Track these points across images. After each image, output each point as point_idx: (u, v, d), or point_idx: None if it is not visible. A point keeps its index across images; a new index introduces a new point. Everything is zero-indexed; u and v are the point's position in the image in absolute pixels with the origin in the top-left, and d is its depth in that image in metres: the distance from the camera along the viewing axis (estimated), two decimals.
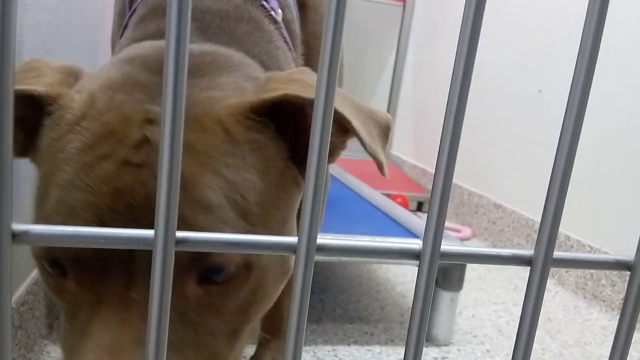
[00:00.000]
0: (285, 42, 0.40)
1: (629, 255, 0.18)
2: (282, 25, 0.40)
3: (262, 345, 0.57)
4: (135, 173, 0.24)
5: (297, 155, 0.30)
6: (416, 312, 0.17)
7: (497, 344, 0.81)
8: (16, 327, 0.52)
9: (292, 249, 0.16)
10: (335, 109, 0.25)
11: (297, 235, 0.16)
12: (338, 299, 0.89)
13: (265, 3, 0.38)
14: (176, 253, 0.23)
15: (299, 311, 0.16)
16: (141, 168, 0.24)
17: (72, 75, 0.29)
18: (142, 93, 0.26)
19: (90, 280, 0.24)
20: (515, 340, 0.18)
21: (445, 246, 0.17)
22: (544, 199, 0.17)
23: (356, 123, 0.26)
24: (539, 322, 0.91)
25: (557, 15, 1.20)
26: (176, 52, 0.14)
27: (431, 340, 0.78)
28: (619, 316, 0.17)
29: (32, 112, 0.27)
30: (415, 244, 0.17)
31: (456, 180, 1.50)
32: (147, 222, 0.24)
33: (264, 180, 0.27)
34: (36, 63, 0.29)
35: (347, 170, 1.30)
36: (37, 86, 0.27)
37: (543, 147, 1.22)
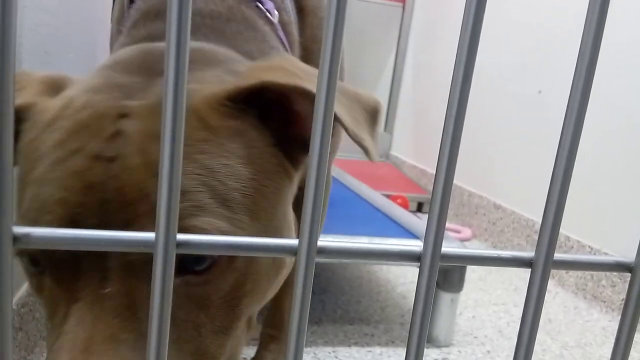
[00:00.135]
0: (282, 43, 0.40)
1: (629, 256, 0.18)
2: (278, 26, 0.40)
3: (262, 347, 0.57)
4: (107, 166, 0.24)
5: (286, 143, 0.29)
6: (417, 313, 0.16)
7: (497, 344, 0.81)
8: (16, 328, 0.52)
9: (293, 251, 0.16)
10: (307, 89, 0.25)
11: (298, 237, 0.16)
12: (338, 300, 0.89)
13: (260, 5, 0.38)
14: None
15: (300, 313, 0.16)
16: (113, 161, 0.24)
17: (55, 85, 0.29)
18: (120, 92, 0.26)
19: (65, 278, 0.24)
20: (517, 342, 0.18)
21: (446, 248, 0.17)
22: (544, 200, 0.17)
23: (339, 108, 0.25)
24: (539, 324, 0.90)
25: (557, 15, 1.20)
26: (176, 52, 0.14)
27: (432, 342, 0.78)
28: (619, 317, 0.17)
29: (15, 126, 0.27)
30: (416, 246, 0.17)
31: (456, 181, 1.50)
32: (120, 217, 0.23)
33: (245, 166, 0.26)
34: (18, 77, 0.29)
35: (347, 171, 1.30)
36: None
37: (543, 148, 1.22)
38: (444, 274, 0.75)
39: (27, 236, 0.15)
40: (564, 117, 0.16)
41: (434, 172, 1.53)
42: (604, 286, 1.01)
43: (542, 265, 0.17)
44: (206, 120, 0.26)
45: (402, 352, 0.74)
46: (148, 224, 0.23)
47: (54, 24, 0.61)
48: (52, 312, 0.25)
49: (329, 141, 0.15)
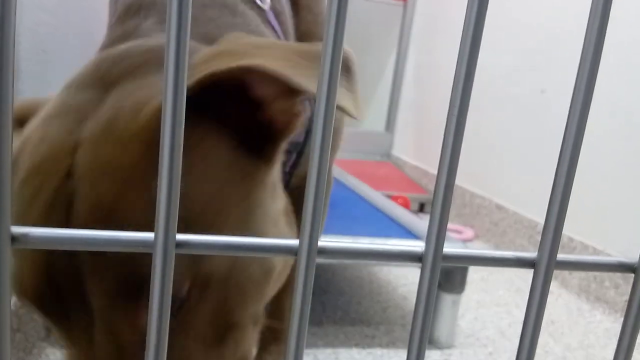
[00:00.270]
0: (273, 30, 0.38)
1: (632, 257, 0.18)
2: (270, 13, 0.38)
3: (262, 349, 0.57)
4: (65, 208, 0.24)
5: (252, 136, 0.26)
6: (418, 314, 0.16)
7: (499, 346, 0.81)
8: (15, 330, 0.52)
9: (293, 251, 0.16)
10: (259, 66, 0.22)
11: (298, 238, 0.16)
12: (339, 301, 0.89)
13: None
14: (118, 283, 0.23)
15: (301, 313, 0.16)
16: (71, 200, 0.23)
17: (23, 116, 0.28)
18: (73, 116, 0.25)
19: (59, 324, 0.25)
20: (519, 343, 0.17)
21: (448, 249, 0.17)
22: (547, 200, 0.17)
23: (290, 72, 0.22)
24: (542, 325, 0.90)
25: (559, 15, 1.20)
26: (176, 53, 0.14)
27: (433, 343, 0.78)
28: (622, 318, 0.17)
29: None
30: (418, 246, 0.17)
31: (458, 181, 1.50)
32: (72, 279, 0.23)
33: (207, 182, 0.24)
34: None
35: (348, 171, 1.29)
36: None
37: (545, 148, 1.21)
38: (446, 275, 0.75)
39: (25, 236, 0.15)
40: (567, 116, 0.16)
41: (436, 172, 1.53)
42: (607, 287, 1.00)
43: (544, 265, 0.17)
44: (154, 141, 0.23)
45: (403, 353, 0.74)
46: (97, 285, 0.23)
47: (52, 23, 0.61)
48: (65, 346, 0.26)
49: (329, 141, 0.15)
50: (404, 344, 0.77)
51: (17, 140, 0.27)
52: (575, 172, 0.16)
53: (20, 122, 0.28)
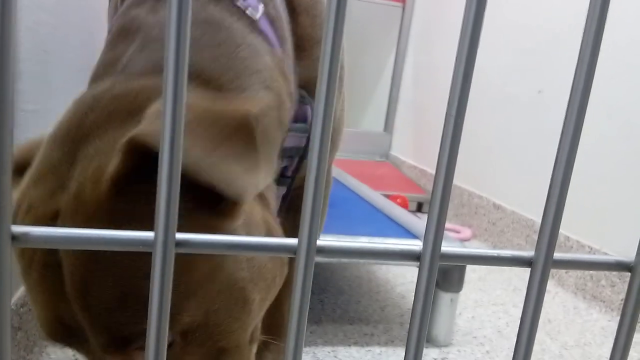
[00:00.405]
0: (266, 38, 0.38)
1: (629, 256, 0.18)
2: (262, 21, 0.38)
3: (262, 346, 0.57)
4: (56, 273, 0.26)
5: (209, 194, 0.25)
6: (416, 313, 0.16)
7: (496, 345, 0.81)
8: (15, 328, 0.52)
9: (292, 250, 0.16)
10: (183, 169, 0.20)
11: (298, 237, 0.16)
12: (338, 300, 0.89)
13: (240, 2, 0.36)
14: (105, 337, 0.25)
15: (300, 312, 0.16)
16: (59, 266, 0.26)
17: (21, 166, 0.30)
18: (52, 179, 0.27)
19: (78, 349, 0.28)
20: (516, 342, 0.18)
21: (446, 248, 0.17)
22: (544, 200, 0.17)
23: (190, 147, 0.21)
24: (538, 323, 0.90)
25: (556, 15, 1.20)
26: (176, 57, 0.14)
27: (431, 341, 0.78)
28: (618, 317, 0.17)
29: None
30: (416, 245, 0.17)
31: (456, 181, 1.50)
32: (85, 323, 0.26)
33: None
34: None
35: (347, 171, 1.30)
36: None
37: (543, 148, 1.22)
38: (444, 274, 0.75)
39: (25, 235, 0.15)
40: (564, 116, 0.16)
41: (434, 172, 1.53)
42: (603, 286, 1.01)
43: (541, 264, 0.17)
44: (114, 210, 0.25)
45: (401, 351, 0.74)
46: (93, 338, 0.26)
47: (52, 23, 0.61)
48: None
49: (328, 140, 0.15)
50: (402, 342, 0.77)
51: (15, 194, 0.29)
52: (572, 171, 0.16)
53: (20, 167, 0.30)
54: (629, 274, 0.18)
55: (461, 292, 0.78)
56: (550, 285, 1.10)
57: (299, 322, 0.16)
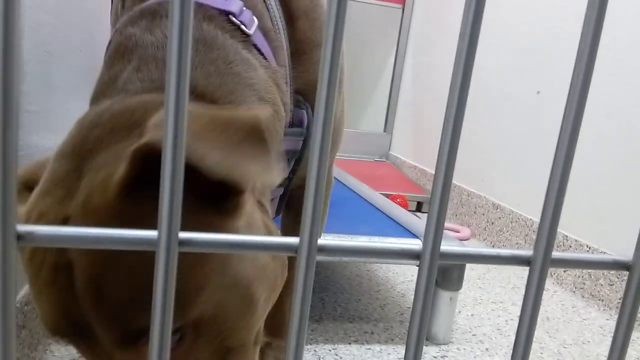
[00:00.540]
0: (260, 52, 0.39)
1: (627, 255, 0.18)
2: (256, 35, 0.39)
3: (264, 346, 0.57)
4: (66, 274, 0.27)
5: (209, 192, 0.27)
6: (416, 311, 0.17)
7: (495, 342, 0.81)
8: (20, 326, 0.52)
9: (294, 249, 0.16)
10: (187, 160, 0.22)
11: (299, 236, 0.16)
12: (338, 299, 0.90)
13: (233, 18, 0.37)
14: (116, 331, 0.25)
15: (301, 311, 0.16)
16: (69, 267, 0.27)
17: (28, 183, 0.31)
18: (60, 190, 0.28)
19: (85, 351, 0.28)
20: (515, 339, 0.18)
21: (445, 246, 0.17)
22: (543, 199, 0.17)
23: (195, 151, 0.22)
24: (537, 322, 0.91)
25: (554, 16, 1.20)
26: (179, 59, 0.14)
27: (431, 339, 0.78)
28: (617, 315, 0.17)
29: None
30: (416, 244, 0.17)
31: (455, 180, 1.51)
32: (94, 318, 0.26)
33: None
34: None
35: (347, 171, 1.30)
36: None
37: (541, 148, 1.22)
38: (443, 273, 0.75)
39: (30, 234, 0.15)
40: (562, 117, 0.17)
41: (433, 172, 1.53)
42: (601, 285, 1.01)
43: (540, 263, 0.17)
44: (123, 213, 0.26)
45: (401, 349, 0.74)
46: (102, 333, 0.27)
47: (53, 24, 0.61)
48: None
49: (329, 139, 0.16)
50: (402, 340, 0.78)
51: (22, 209, 0.30)
52: (570, 171, 0.17)
53: (28, 185, 0.31)
54: (627, 272, 0.18)
55: (460, 291, 0.78)
56: (549, 284, 1.10)
57: (300, 320, 0.16)
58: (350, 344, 0.75)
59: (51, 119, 0.62)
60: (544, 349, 0.82)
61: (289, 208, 0.54)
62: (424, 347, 0.76)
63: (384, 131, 1.94)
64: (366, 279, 1.00)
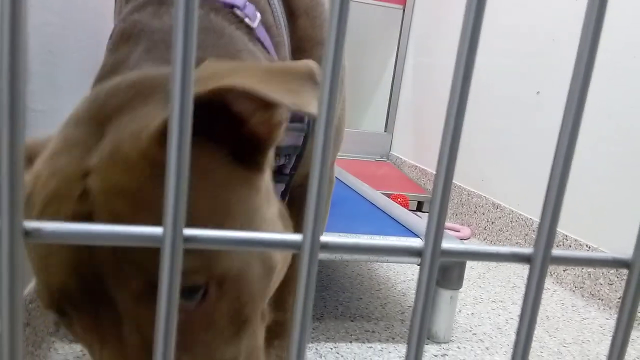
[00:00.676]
0: (263, 45, 0.39)
1: (626, 253, 0.18)
2: (259, 29, 0.39)
3: (266, 344, 0.57)
4: (87, 222, 0.25)
5: (241, 148, 0.28)
6: (418, 308, 0.17)
7: (496, 341, 0.82)
8: (24, 324, 0.53)
9: (297, 246, 0.16)
10: (235, 85, 0.24)
11: (302, 233, 0.16)
12: (340, 297, 0.90)
13: (238, 11, 0.38)
14: (138, 282, 0.24)
15: (304, 308, 0.16)
16: (89, 219, 0.25)
17: (29, 155, 0.30)
18: (78, 149, 0.27)
19: (88, 323, 0.26)
20: (515, 338, 0.18)
21: (446, 244, 0.17)
22: (542, 198, 0.17)
23: (263, 88, 0.24)
24: (537, 320, 0.92)
25: (554, 18, 1.20)
26: (183, 60, 0.14)
27: (431, 338, 0.79)
28: (616, 315, 0.17)
29: None
30: (417, 242, 0.17)
31: (455, 180, 1.51)
32: (112, 268, 0.25)
33: (207, 196, 0.26)
34: None
35: (348, 170, 1.30)
36: None
37: (541, 148, 1.22)
38: (444, 272, 0.76)
39: (38, 231, 0.15)
40: (562, 117, 0.17)
41: (434, 172, 1.54)
42: (601, 284, 1.01)
43: (540, 260, 0.18)
44: (158, 162, 0.26)
45: (402, 348, 0.74)
46: (121, 287, 0.25)
47: (58, 23, 0.61)
48: (91, 353, 0.27)
49: (331, 140, 0.16)
50: (403, 338, 0.78)
51: (28, 176, 0.29)
52: (569, 171, 0.17)
53: (29, 159, 0.30)
54: (627, 271, 0.18)
55: (461, 290, 0.79)
56: (549, 283, 1.10)
57: (303, 318, 0.16)
58: (351, 342, 0.76)
59: (57, 118, 0.63)
60: (543, 347, 0.82)
61: (290, 206, 0.54)
62: (425, 345, 0.76)
63: (385, 131, 1.94)
64: (367, 278, 1.00)
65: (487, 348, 0.79)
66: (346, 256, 0.81)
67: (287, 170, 0.46)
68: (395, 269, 1.06)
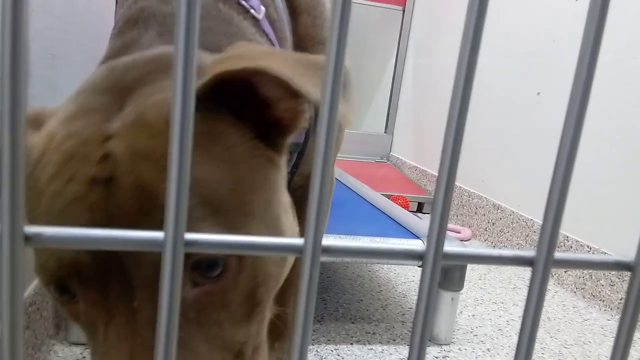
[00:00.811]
0: (268, 38, 0.40)
1: (627, 255, 0.18)
2: (264, 21, 0.40)
3: (266, 345, 0.57)
4: (104, 188, 0.25)
5: (264, 129, 0.29)
6: (420, 311, 0.17)
7: (497, 343, 0.81)
8: (24, 327, 0.53)
9: (299, 250, 0.16)
10: (265, 69, 0.24)
11: (303, 236, 0.16)
12: (340, 299, 0.90)
13: (244, 2, 0.38)
14: (155, 255, 0.24)
15: (305, 311, 0.16)
16: (109, 182, 0.25)
17: (35, 121, 0.29)
18: (97, 116, 0.27)
19: (95, 299, 0.25)
20: (518, 340, 0.18)
21: (448, 247, 0.17)
22: (543, 200, 0.17)
23: (294, 77, 0.24)
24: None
25: (554, 18, 1.21)
26: (184, 59, 0.14)
27: (432, 340, 0.79)
28: (617, 316, 0.17)
29: None
30: (419, 245, 0.17)
31: (456, 181, 1.50)
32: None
33: (230, 169, 0.27)
34: None
35: (348, 172, 1.30)
36: None
37: (542, 149, 1.22)
38: (445, 274, 0.75)
39: (38, 235, 0.15)
40: (563, 118, 0.17)
41: (434, 173, 1.54)
42: (602, 285, 1.01)
43: (543, 263, 0.18)
44: None
45: (402, 349, 0.74)
46: (135, 255, 0.24)
47: (60, 27, 0.61)
48: (92, 333, 0.26)
49: (332, 140, 0.16)
50: (404, 340, 0.78)
51: (35, 137, 0.28)
52: (572, 171, 0.17)
53: (38, 123, 0.29)
54: (628, 273, 0.18)
55: (462, 291, 0.79)
56: (550, 284, 1.10)
57: (305, 321, 0.16)
58: (352, 344, 0.75)
59: None
60: (545, 349, 0.82)
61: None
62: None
63: (385, 132, 1.94)
64: (368, 280, 1.00)
65: (488, 349, 0.79)
66: (347, 258, 0.81)
67: (289, 168, 0.46)
68: (396, 271, 1.06)
